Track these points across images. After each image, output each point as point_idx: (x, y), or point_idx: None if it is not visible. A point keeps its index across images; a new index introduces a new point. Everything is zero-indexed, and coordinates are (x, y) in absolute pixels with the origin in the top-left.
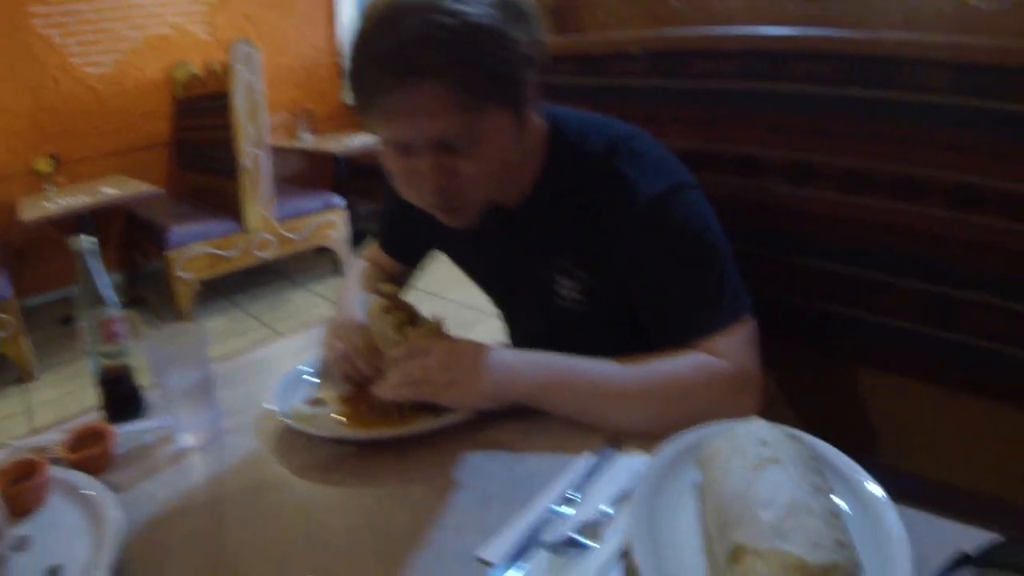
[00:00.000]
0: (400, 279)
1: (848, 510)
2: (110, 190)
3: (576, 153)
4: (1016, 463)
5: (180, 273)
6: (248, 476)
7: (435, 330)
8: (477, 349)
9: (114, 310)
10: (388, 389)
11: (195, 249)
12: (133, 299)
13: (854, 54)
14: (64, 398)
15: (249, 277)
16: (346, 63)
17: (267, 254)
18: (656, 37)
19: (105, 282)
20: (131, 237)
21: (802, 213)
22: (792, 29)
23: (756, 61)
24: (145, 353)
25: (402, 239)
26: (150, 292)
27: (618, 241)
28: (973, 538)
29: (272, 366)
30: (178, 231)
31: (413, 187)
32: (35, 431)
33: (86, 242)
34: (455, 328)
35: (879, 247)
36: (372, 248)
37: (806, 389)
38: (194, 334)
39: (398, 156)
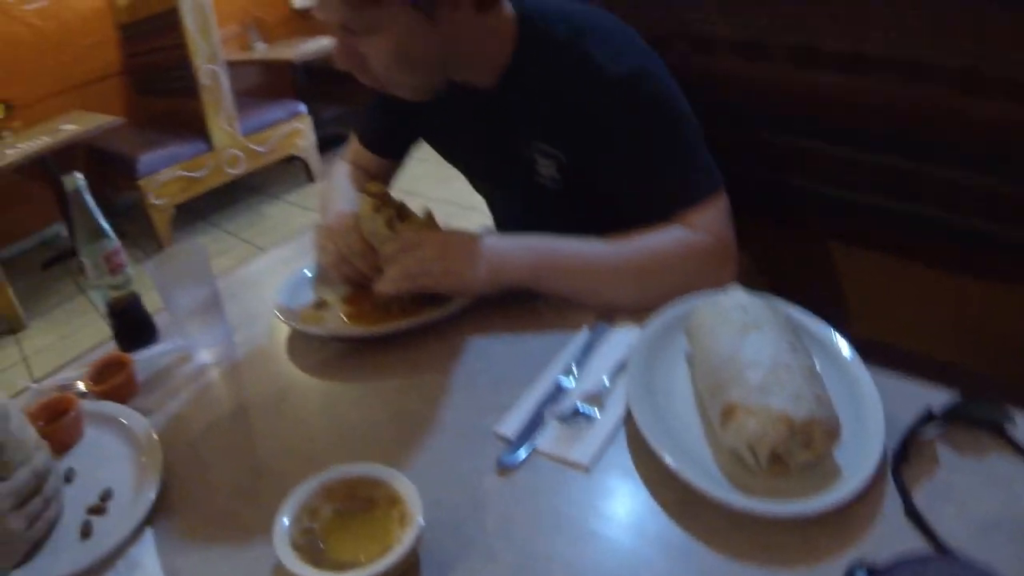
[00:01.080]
0: (383, 177)
1: (823, 370)
2: (70, 126)
3: (544, 37)
4: (972, 329)
5: (154, 200)
6: (268, 383)
7: (426, 223)
8: (469, 237)
9: (113, 242)
10: (388, 284)
11: (166, 174)
12: None
13: None
14: (59, 343)
15: (222, 196)
16: None
17: (237, 170)
18: None
19: (100, 216)
20: (97, 172)
21: (757, 89)
22: None
23: None
24: (151, 277)
25: (385, 132)
26: (126, 224)
27: (587, 121)
28: (936, 398)
29: (264, 279)
30: (147, 159)
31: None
32: (54, 372)
33: (79, 180)
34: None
35: (834, 121)
36: (352, 148)
37: (778, 264)
38: (195, 251)
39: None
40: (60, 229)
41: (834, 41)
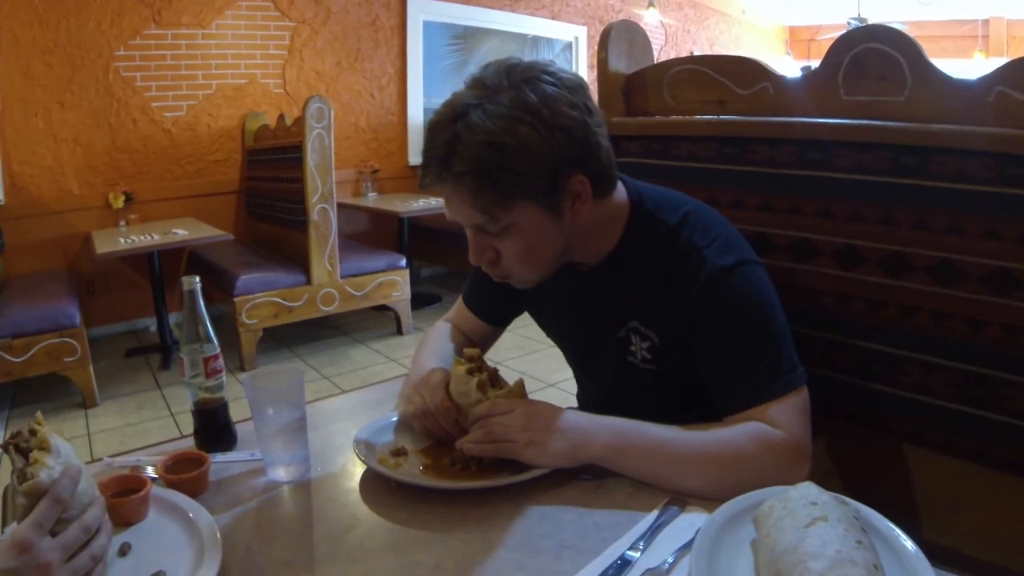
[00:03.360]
0: (481, 341)
1: (889, 567)
2: (182, 231)
3: (652, 222)
4: None
5: (245, 320)
6: (336, 512)
7: (517, 392)
8: (556, 412)
9: (215, 347)
10: (472, 445)
11: (261, 297)
12: None
13: (900, 144)
14: (125, 428)
15: (311, 329)
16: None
17: (330, 309)
18: (719, 122)
19: (207, 320)
20: None
21: (849, 295)
22: (844, 120)
23: (810, 150)
24: (246, 389)
25: (490, 298)
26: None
27: (685, 307)
28: None
29: (347, 416)
30: (246, 279)
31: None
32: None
33: (196, 283)
34: None
35: (919, 328)
36: (456, 308)
37: (856, 464)
38: (293, 375)
39: (463, 228)
40: (150, 323)
41: (923, 250)
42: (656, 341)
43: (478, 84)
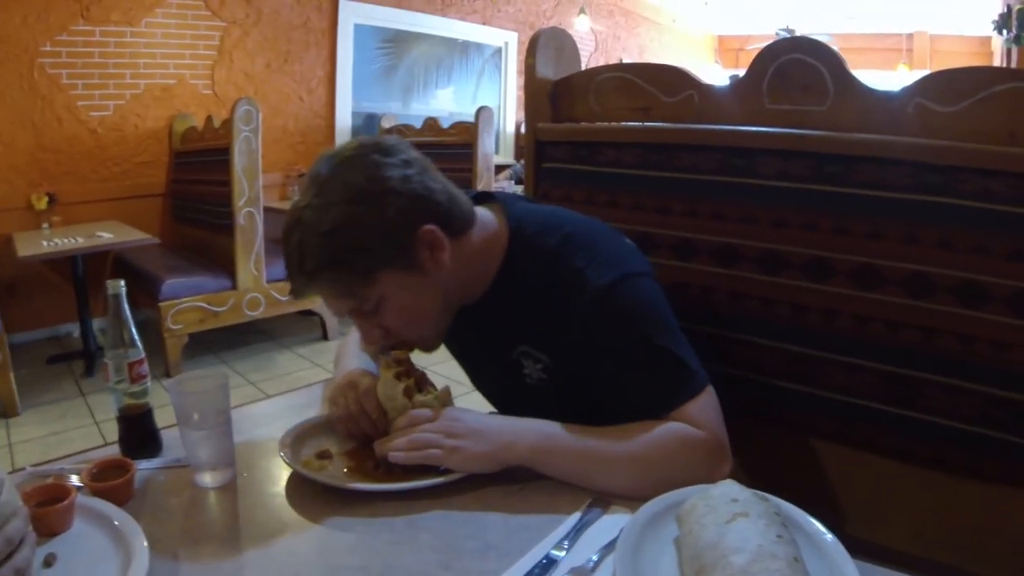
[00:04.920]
0: None
1: (810, 560)
2: (106, 234)
3: (533, 249)
4: (966, 532)
5: (170, 325)
6: (262, 517)
7: (443, 398)
8: (478, 417)
9: (140, 352)
10: (397, 454)
11: (187, 302)
12: None
13: (822, 152)
14: (48, 438)
15: (236, 335)
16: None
17: (256, 313)
18: (645, 129)
19: (132, 325)
20: None
21: (771, 299)
22: (767, 128)
23: (734, 157)
24: (171, 394)
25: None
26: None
27: (573, 331)
28: None
29: (272, 420)
30: (172, 284)
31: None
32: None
33: (121, 287)
34: None
35: (841, 331)
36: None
37: (780, 463)
38: (218, 378)
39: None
40: (73, 329)
41: (844, 255)
42: (548, 362)
43: (310, 183)
